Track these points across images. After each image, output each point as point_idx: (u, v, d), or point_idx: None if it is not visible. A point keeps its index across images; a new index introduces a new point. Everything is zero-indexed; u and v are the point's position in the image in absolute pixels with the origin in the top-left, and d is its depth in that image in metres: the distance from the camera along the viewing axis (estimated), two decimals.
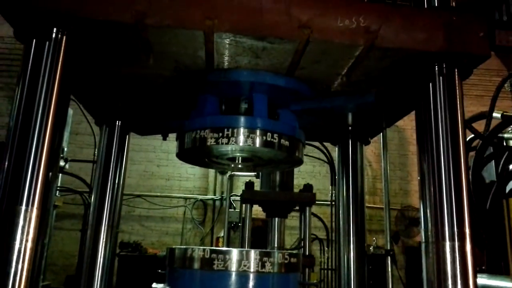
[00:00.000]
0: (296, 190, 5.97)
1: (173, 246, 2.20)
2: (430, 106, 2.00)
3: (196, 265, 2.05)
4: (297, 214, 6.08)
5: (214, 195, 9.91)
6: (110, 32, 1.85)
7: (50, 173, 1.73)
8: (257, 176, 6.00)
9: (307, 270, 5.97)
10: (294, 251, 2.28)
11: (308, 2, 1.86)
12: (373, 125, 3.00)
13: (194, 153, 2.38)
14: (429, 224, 1.89)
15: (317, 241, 8.07)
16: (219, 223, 9.63)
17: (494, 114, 3.41)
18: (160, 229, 9.79)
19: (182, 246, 2.16)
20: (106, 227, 2.94)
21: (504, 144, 3.45)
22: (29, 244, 1.63)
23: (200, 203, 9.90)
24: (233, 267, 2.01)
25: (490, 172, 3.91)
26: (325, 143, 5.45)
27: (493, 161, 3.50)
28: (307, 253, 5.65)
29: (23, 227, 1.63)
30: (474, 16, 1.97)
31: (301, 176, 9.62)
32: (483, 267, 3.69)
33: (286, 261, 2.12)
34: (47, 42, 1.78)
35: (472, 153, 3.55)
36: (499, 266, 3.44)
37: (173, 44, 1.91)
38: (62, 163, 6.56)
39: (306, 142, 2.56)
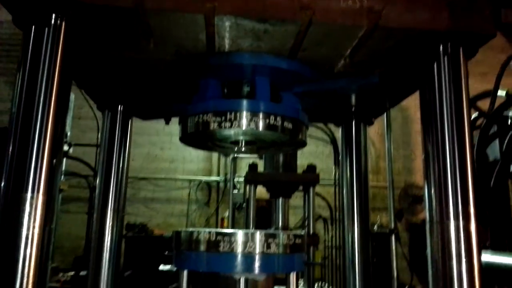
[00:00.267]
0: (299, 170, 6.00)
1: (179, 229, 2.21)
2: (435, 86, 1.98)
3: (202, 247, 2.07)
4: (301, 193, 6.12)
5: (218, 176, 9.96)
6: (109, 17, 1.82)
7: (55, 160, 1.74)
8: (260, 157, 6.01)
9: (311, 248, 6.06)
10: (299, 232, 2.29)
11: None
12: (377, 105, 2.98)
13: (197, 137, 2.38)
14: (434, 204, 1.89)
15: (321, 220, 8.14)
16: (224, 203, 9.72)
17: (499, 93, 3.38)
18: (166, 210, 9.90)
19: (188, 229, 2.17)
20: (112, 210, 2.96)
21: (509, 122, 3.43)
22: (37, 231, 1.64)
23: (204, 184, 9.97)
24: (239, 248, 2.03)
25: (494, 149, 3.90)
26: (328, 124, 5.43)
27: (497, 139, 3.50)
28: (311, 232, 5.74)
29: (30, 213, 1.64)
30: None
31: (304, 157, 9.63)
32: (487, 244, 3.72)
33: (291, 242, 2.14)
34: (46, 29, 1.76)
35: (476, 132, 3.54)
36: (503, 243, 3.47)
37: (174, 28, 1.89)
38: (66, 147, 6.59)
39: (309, 127, 2.54)
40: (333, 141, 6.85)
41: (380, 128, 9.88)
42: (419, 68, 2.10)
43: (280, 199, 5.74)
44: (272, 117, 2.18)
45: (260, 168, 5.76)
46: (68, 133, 6.89)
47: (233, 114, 2.14)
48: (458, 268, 1.77)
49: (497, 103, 3.38)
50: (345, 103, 2.90)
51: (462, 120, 1.93)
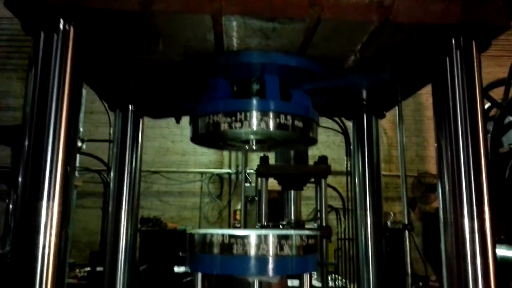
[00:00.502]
0: (311, 160, 5.97)
1: (193, 232, 2.23)
2: (447, 80, 1.94)
3: (216, 250, 2.08)
4: (312, 184, 6.11)
5: (230, 168, 9.99)
6: (117, 20, 1.82)
7: (68, 167, 1.75)
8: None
9: (324, 240, 6.07)
10: (312, 229, 2.29)
11: None
12: (388, 99, 2.94)
13: (208, 137, 2.38)
14: (448, 203, 1.87)
15: (333, 211, 8.13)
16: (236, 196, 9.77)
17: None
18: (179, 203, 9.99)
19: (201, 231, 2.18)
20: (126, 211, 2.99)
21: None
22: (53, 239, 1.67)
23: (216, 177, 10.02)
24: (252, 251, 2.03)
25: (509, 137, 3.84)
26: None
27: None
28: (323, 224, 5.75)
29: (46, 222, 1.66)
30: None
31: (315, 147, 9.55)
32: (502, 237, 3.69)
33: (304, 243, 2.14)
34: (55, 34, 1.76)
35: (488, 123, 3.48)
36: None
37: (181, 29, 1.87)
38: (79, 143, 6.66)
39: (320, 117, 2.52)
40: (345, 131, 6.80)
41: (392, 116, 9.77)
42: (431, 62, 2.06)
43: (292, 191, 5.76)
44: (282, 116, 2.16)
45: (272, 160, 5.76)
46: (81, 129, 6.95)
47: (243, 114, 2.13)
48: (473, 268, 1.76)
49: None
50: (356, 98, 2.86)
51: (476, 115, 1.89)
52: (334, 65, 2.28)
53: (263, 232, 2.15)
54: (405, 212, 3.05)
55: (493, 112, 3.56)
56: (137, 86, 2.68)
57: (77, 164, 7.94)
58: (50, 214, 1.68)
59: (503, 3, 1.87)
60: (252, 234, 2.06)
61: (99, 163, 7.62)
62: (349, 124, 3.52)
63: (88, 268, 6.40)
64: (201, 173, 9.87)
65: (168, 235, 8.46)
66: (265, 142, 2.49)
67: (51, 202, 1.68)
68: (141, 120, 3.10)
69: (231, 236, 2.05)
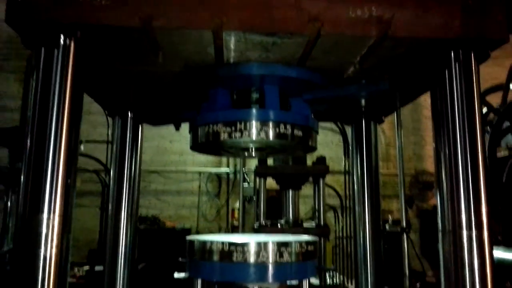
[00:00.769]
0: (309, 160, 5.98)
1: (192, 239, 2.24)
2: (446, 90, 1.95)
3: (215, 258, 2.10)
4: (311, 182, 6.13)
5: (228, 167, 10.00)
6: (117, 35, 1.82)
7: (69, 180, 1.76)
8: None
9: (322, 239, 6.09)
10: (311, 238, 2.30)
11: None
12: (387, 105, 2.96)
13: (208, 146, 2.39)
14: (446, 213, 1.89)
15: (331, 209, 8.16)
16: (234, 194, 9.79)
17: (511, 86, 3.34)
18: (177, 202, 10.01)
19: (201, 239, 2.20)
20: (126, 208, 3.00)
21: None
22: (54, 251, 1.68)
23: (214, 176, 10.04)
24: (252, 258, 2.05)
25: (506, 141, 3.87)
26: None
27: (510, 134, 3.46)
28: (321, 223, 5.78)
29: (47, 234, 1.67)
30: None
31: None
32: (499, 237, 3.72)
33: (303, 250, 2.16)
34: (56, 50, 1.77)
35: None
36: None
37: (182, 43, 1.88)
38: None
39: (319, 122, 2.54)
40: (343, 131, 6.82)
41: (390, 116, 9.81)
42: (429, 72, 2.07)
43: (290, 191, 5.77)
44: (282, 126, 2.17)
45: (270, 160, 5.77)
46: None
47: (242, 124, 2.14)
48: (471, 277, 1.78)
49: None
50: (355, 105, 2.88)
51: (474, 125, 1.90)
52: (333, 76, 2.29)
53: (262, 239, 2.17)
54: (403, 215, 3.07)
55: (490, 117, 3.59)
56: (136, 95, 2.69)
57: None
58: (51, 226, 1.69)
59: (502, 16, 1.88)
60: (252, 242, 2.08)
61: (97, 163, 7.63)
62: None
63: (87, 267, 6.41)
64: (199, 173, 9.88)
65: (166, 233, 8.51)
66: (265, 149, 2.50)
67: (51, 214, 1.69)
68: (140, 127, 3.11)
69: (230, 244, 2.07)
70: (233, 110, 2.28)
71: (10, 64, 9.66)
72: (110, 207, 3.05)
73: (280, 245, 2.08)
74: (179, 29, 1.76)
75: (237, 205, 8.59)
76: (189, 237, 2.29)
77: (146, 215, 8.94)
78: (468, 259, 1.79)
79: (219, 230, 10.02)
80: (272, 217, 5.90)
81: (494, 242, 2.45)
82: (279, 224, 5.48)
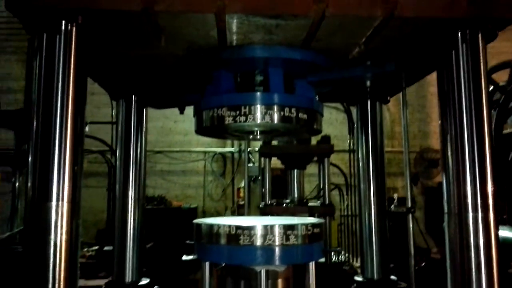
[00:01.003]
0: (313, 139, 5.96)
1: (200, 222, 2.26)
2: (453, 72, 1.93)
3: (223, 241, 2.12)
4: (315, 161, 6.13)
5: (232, 147, 10.01)
6: (118, 19, 1.80)
7: (76, 167, 1.78)
8: None
9: (327, 218, 6.14)
10: (317, 221, 2.32)
11: None
12: (393, 85, 2.92)
13: (213, 130, 2.39)
14: (452, 196, 1.89)
15: (336, 188, 8.18)
16: (239, 174, 9.83)
17: None
18: (183, 182, 10.07)
19: (208, 222, 2.22)
20: (133, 189, 3.04)
21: None
22: (64, 237, 1.71)
23: (219, 156, 10.07)
24: (258, 241, 2.07)
25: None
26: None
27: None
28: (326, 202, 5.81)
29: (56, 221, 1.70)
30: None
31: None
32: (504, 216, 3.73)
33: (309, 232, 2.18)
34: (58, 35, 1.76)
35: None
36: None
37: (184, 27, 1.86)
38: None
39: (325, 107, 2.52)
40: (347, 109, 6.77)
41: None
42: (436, 52, 2.04)
43: (295, 170, 5.78)
44: (286, 109, 2.16)
45: (274, 140, 5.76)
46: None
47: (247, 108, 2.13)
48: (477, 260, 1.79)
49: None
50: (360, 85, 2.85)
51: (481, 107, 1.89)
52: (338, 57, 2.26)
53: (269, 222, 2.18)
54: (409, 196, 3.07)
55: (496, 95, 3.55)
56: (140, 79, 2.68)
57: None
58: (60, 213, 1.71)
59: None
60: (259, 225, 2.09)
61: (102, 144, 7.66)
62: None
63: (96, 247, 6.51)
64: (204, 152, 9.91)
65: (173, 213, 8.58)
66: (269, 132, 2.49)
67: (60, 201, 1.71)
68: (144, 110, 3.10)
69: (238, 227, 2.09)
70: (238, 94, 2.27)
71: (11, 45, 9.60)
72: (117, 190, 3.08)
73: (287, 228, 2.10)
74: (182, 13, 1.73)
75: (242, 184, 8.63)
76: (196, 221, 2.31)
77: (153, 195, 9.02)
78: (473, 241, 1.80)
79: (225, 210, 10.11)
80: (278, 196, 5.92)
81: (500, 221, 2.46)
82: (284, 204, 5.50)
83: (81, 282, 4.85)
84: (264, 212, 5.13)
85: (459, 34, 1.90)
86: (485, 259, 1.78)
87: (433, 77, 2.20)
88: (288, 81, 2.30)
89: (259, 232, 2.08)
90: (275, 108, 2.14)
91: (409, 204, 3.07)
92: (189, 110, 2.54)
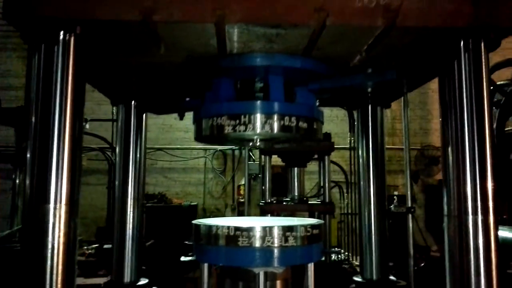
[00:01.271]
0: None
1: (198, 223, 2.25)
2: (455, 80, 1.91)
3: (221, 242, 2.11)
4: (316, 159, 6.12)
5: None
6: (117, 29, 1.79)
7: (75, 169, 1.77)
8: None
9: (327, 216, 6.14)
10: (316, 222, 2.31)
11: None
12: (394, 91, 2.90)
13: (212, 138, 2.38)
14: (452, 198, 1.88)
15: (336, 186, 8.18)
16: (240, 171, 9.82)
17: None
18: (183, 179, 10.07)
19: (207, 223, 2.21)
20: (132, 186, 3.04)
21: None
22: (62, 239, 1.70)
23: (219, 153, 10.06)
24: (257, 243, 2.07)
25: None
26: None
27: None
28: (326, 200, 5.81)
29: (54, 224, 1.69)
30: None
31: None
32: (504, 216, 3.72)
33: (308, 233, 2.17)
34: (56, 46, 1.75)
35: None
36: None
37: (184, 36, 1.84)
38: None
39: (326, 107, 2.51)
40: (349, 109, 6.74)
41: None
42: (438, 61, 2.03)
43: (296, 168, 5.77)
44: (286, 118, 2.13)
45: None
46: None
47: (247, 117, 2.10)
48: (476, 262, 1.79)
49: None
50: (361, 92, 2.84)
51: (483, 116, 1.87)
52: (339, 64, 2.23)
53: (268, 224, 2.17)
54: (409, 195, 3.07)
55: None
56: (139, 85, 2.67)
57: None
58: (57, 215, 1.70)
59: None
60: (257, 226, 2.09)
61: (102, 141, 7.65)
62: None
63: (96, 245, 6.51)
64: (205, 149, 9.91)
65: (173, 210, 8.57)
66: (270, 140, 2.48)
67: (58, 204, 1.71)
68: (144, 116, 3.10)
69: (236, 228, 2.08)
70: (237, 103, 2.24)
71: (12, 41, 9.58)
72: (116, 188, 3.08)
73: (285, 230, 2.09)
74: (181, 23, 1.72)
75: (243, 181, 8.62)
76: (195, 221, 2.30)
77: (153, 192, 9.01)
78: (473, 244, 1.80)
79: (225, 207, 10.12)
80: (278, 194, 5.92)
81: (500, 221, 2.46)
82: (284, 201, 5.50)
83: (80, 280, 4.86)
84: (264, 209, 5.13)
85: (462, 43, 1.88)
86: (484, 262, 1.78)
87: None
88: (289, 88, 2.28)
89: (257, 233, 2.07)
90: (275, 117, 2.12)
91: (409, 204, 3.07)
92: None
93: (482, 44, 1.89)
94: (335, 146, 6.01)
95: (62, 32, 1.74)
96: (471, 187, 1.82)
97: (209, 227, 2.16)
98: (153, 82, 2.58)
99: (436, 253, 7.77)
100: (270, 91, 2.20)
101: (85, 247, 6.51)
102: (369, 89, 2.62)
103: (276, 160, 5.95)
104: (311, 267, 2.21)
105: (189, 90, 2.65)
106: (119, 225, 3.03)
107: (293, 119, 2.14)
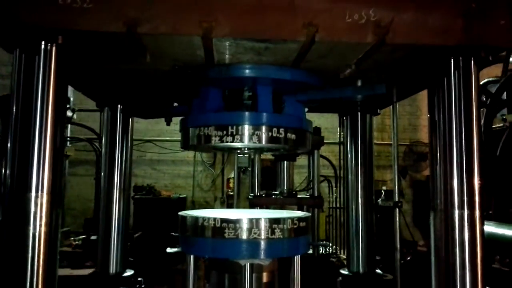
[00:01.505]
0: None
1: (185, 214, 2.23)
2: (444, 95, 1.89)
3: (208, 234, 2.09)
4: (305, 152, 6.12)
5: None
6: (100, 39, 1.74)
7: (57, 157, 1.73)
8: None
9: (316, 210, 6.14)
10: (304, 214, 2.30)
11: None
12: (383, 100, 2.89)
13: (199, 147, 2.35)
14: (439, 192, 1.88)
15: (326, 180, 8.19)
16: (229, 164, 9.79)
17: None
18: (172, 172, 10.02)
19: (193, 215, 2.19)
20: (118, 177, 3.01)
21: None
22: (43, 229, 1.67)
23: None
24: (244, 235, 2.05)
25: (502, 112, 3.84)
26: None
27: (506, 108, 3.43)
28: (315, 194, 5.81)
29: (35, 213, 1.66)
30: (495, 1, 1.78)
31: (308, 116, 9.57)
32: (490, 212, 3.76)
33: (295, 226, 2.16)
34: (37, 56, 1.70)
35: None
36: (506, 213, 3.49)
37: (169, 46, 1.80)
38: (69, 113, 6.58)
39: (316, 113, 2.50)
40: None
41: None
42: (427, 75, 2.01)
43: (285, 162, 5.77)
44: (274, 130, 2.11)
45: None
46: (71, 98, 6.84)
47: (234, 128, 2.08)
48: (461, 256, 1.79)
49: None
50: (351, 101, 2.84)
51: (471, 129, 1.86)
52: (329, 76, 2.21)
53: (254, 215, 2.16)
54: (396, 190, 3.07)
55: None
56: (124, 89, 2.64)
57: (68, 134, 7.89)
58: (39, 204, 1.67)
59: (506, 22, 1.78)
60: (244, 218, 2.07)
61: (90, 131, 7.57)
62: None
63: (83, 236, 6.45)
64: None
65: (162, 203, 8.53)
66: (258, 149, 2.47)
67: (40, 192, 1.67)
68: (130, 120, 3.06)
69: (223, 220, 2.06)
70: (225, 114, 2.22)
71: None
72: (102, 180, 3.05)
73: (272, 222, 2.08)
74: (166, 35, 1.68)
75: (232, 174, 8.60)
76: (181, 213, 2.28)
77: (142, 184, 8.95)
78: (459, 238, 1.80)
79: (215, 200, 10.09)
80: (267, 187, 5.91)
81: (485, 216, 2.47)
82: (273, 195, 5.49)
83: (67, 271, 4.81)
84: (253, 203, 5.11)
85: (452, 61, 1.87)
86: (469, 256, 1.78)
87: None
88: (277, 98, 2.26)
89: (244, 225, 2.06)
90: (263, 128, 2.10)
91: (396, 198, 3.07)
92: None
93: (472, 62, 1.87)
94: (325, 141, 6.01)
95: (43, 42, 1.70)
96: (457, 181, 1.82)
97: (196, 218, 2.14)
98: (139, 87, 2.55)
99: (423, 248, 7.84)
100: (258, 101, 2.17)
101: (72, 238, 6.46)
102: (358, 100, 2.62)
103: (265, 154, 5.93)
104: (297, 259, 2.20)
105: (176, 96, 2.62)
106: (104, 216, 3.01)
107: (282, 130, 2.12)
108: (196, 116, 2.23)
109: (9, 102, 1.74)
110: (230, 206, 8.62)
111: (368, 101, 2.89)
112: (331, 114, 9.58)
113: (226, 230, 2.06)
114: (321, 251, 6.10)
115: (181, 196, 9.12)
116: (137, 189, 8.59)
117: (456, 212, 1.81)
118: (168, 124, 2.97)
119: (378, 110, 3.12)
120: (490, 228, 3.17)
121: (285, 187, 5.65)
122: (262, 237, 2.06)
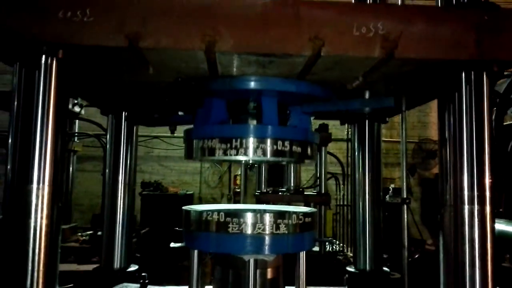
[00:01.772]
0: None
1: (189, 208, 2.20)
2: (455, 110, 1.83)
3: (212, 229, 2.06)
4: None
5: None
6: (102, 53, 1.71)
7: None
8: None
9: (323, 207, 6.09)
10: (309, 210, 2.26)
11: (320, 8, 1.64)
12: (392, 109, 2.83)
13: (203, 159, 2.32)
14: (448, 186, 1.83)
15: (333, 177, 8.14)
16: None
17: None
18: (180, 168, 10.03)
19: (197, 209, 2.16)
20: (123, 172, 3.00)
21: None
22: (44, 221, 1.65)
23: None
24: (248, 230, 2.01)
25: None
26: None
27: None
28: (323, 191, 5.76)
29: (36, 205, 1.64)
30: (509, 13, 1.70)
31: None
32: (500, 210, 3.69)
33: (300, 221, 2.12)
34: (37, 71, 1.68)
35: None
36: None
37: (172, 60, 1.76)
38: (77, 109, 6.60)
39: (322, 120, 2.45)
40: None
41: None
42: (437, 88, 1.95)
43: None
44: (279, 143, 2.05)
45: None
46: None
47: (238, 141, 2.02)
48: (471, 253, 1.74)
49: None
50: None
51: (483, 147, 1.80)
52: (335, 87, 2.15)
53: (259, 210, 2.12)
54: (404, 186, 3.01)
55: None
56: (128, 99, 2.62)
57: (76, 129, 7.92)
58: (40, 196, 1.65)
59: None
60: (248, 213, 2.03)
61: (98, 127, 7.58)
62: None
63: (90, 232, 6.48)
64: None
65: (169, 199, 8.53)
66: (262, 161, 2.42)
67: (41, 184, 1.65)
68: (135, 128, 3.04)
69: (226, 214, 2.03)
70: (229, 126, 2.18)
71: None
72: (107, 175, 3.04)
73: (277, 217, 2.03)
74: (169, 49, 1.64)
75: (239, 171, 8.58)
76: (185, 207, 2.25)
77: (149, 180, 8.97)
78: (468, 235, 1.75)
79: (222, 197, 10.09)
80: (274, 184, 5.87)
81: (496, 214, 2.42)
82: (280, 192, 5.46)
83: (74, 267, 4.82)
84: (259, 199, 5.09)
85: (463, 75, 1.80)
86: (479, 253, 1.73)
87: None
88: (282, 110, 2.21)
89: (248, 220, 2.02)
90: (268, 141, 2.04)
91: (404, 195, 3.01)
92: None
93: (485, 76, 1.80)
94: (333, 138, 5.95)
95: (43, 57, 1.67)
96: (467, 176, 1.77)
97: (200, 213, 2.11)
98: (142, 97, 2.53)
99: (431, 247, 7.76)
100: (263, 114, 2.12)
101: (80, 234, 6.48)
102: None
103: None
104: (303, 255, 2.16)
105: (180, 105, 2.58)
106: (109, 211, 2.99)
107: (287, 143, 2.06)
108: (200, 128, 2.19)
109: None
110: (236, 203, 8.61)
111: (376, 111, 2.83)
112: None
113: (230, 225, 2.02)
114: (328, 248, 6.06)
115: (188, 192, 9.13)
116: (145, 186, 8.62)
117: (466, 207, 1.76)
118: (172, 132, 2.94)
119: (387, 118, 3.05)
120: (500, 225, 3.11)
121: (292, 184, 5.61)
122: (267, 232, 2.02)
